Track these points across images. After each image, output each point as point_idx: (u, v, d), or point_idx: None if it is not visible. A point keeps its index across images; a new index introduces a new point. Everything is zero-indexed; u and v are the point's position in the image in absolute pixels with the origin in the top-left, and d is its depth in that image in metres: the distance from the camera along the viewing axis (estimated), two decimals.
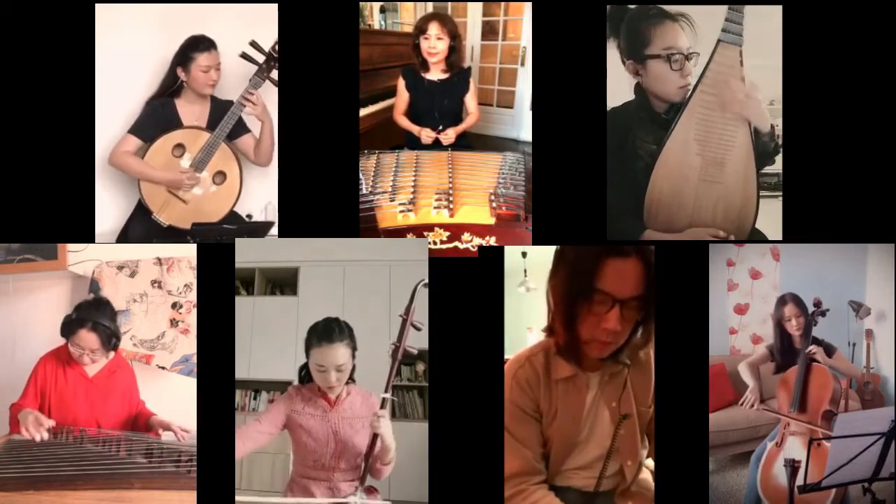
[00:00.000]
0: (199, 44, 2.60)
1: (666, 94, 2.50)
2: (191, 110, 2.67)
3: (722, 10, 2.45)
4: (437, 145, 2.85)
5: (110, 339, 2.50)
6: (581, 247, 1.94)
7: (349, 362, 2.24)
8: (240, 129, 2.67)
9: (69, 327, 2.47)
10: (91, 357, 2.49)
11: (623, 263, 1.87)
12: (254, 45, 2.58)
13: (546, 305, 2.01)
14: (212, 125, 2.66)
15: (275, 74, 2.59)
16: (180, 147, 2.65)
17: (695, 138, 2.49)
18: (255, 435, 2.24)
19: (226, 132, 2.64)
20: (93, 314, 2.48)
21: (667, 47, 2.47)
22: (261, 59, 2.59)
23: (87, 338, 2.47)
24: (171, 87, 2.64)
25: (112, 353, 2.53)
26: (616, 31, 2.49)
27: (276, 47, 2.56)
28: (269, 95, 2.61)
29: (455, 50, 2.84)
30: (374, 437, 2.19)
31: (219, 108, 2.67)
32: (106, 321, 2.49)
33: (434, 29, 2.80)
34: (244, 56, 2.59)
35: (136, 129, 2.61)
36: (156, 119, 2.63)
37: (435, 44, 2.81)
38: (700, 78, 2.47)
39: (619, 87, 2.51)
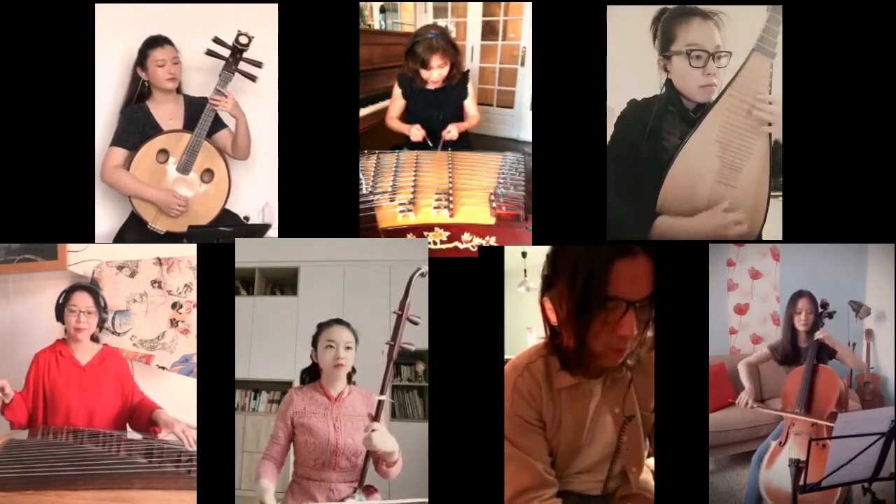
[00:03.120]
0: (154, 41, 2.60)
1: (688, 92, 2.50)
2: (164, 111, 2.65)
3: (760, 12, 2.46)
4: (435, 145, 2.85)
5: (101, 308, 2.53)
6: (583, 252, 1.80)
7: (354, 346, 2.31)
8: (216, 125, 2.66)
9: (63, 299, 2.51)
10: (86, 319, 2.50)
11: (633, 263, 1.77)
12: (216, 40, 2.58)
13: (542, 317, 1.90)
14: (189, 125, 2.65)
15: (244, 66, 2.59)
16: (164, 153, 2.64)
17: (717, 140, 2.50)
18: (282, 453, 2.28)
19: (205, 130, 2.63)
20: (84, 282, 2.55)
21: (689, 44, 2.47)
22: (226, 52, 2.59)
23: (81, 297, 2.51)
24: (136, 91, 2.63)
25: (102, 330, 2.55)
26: (655, 27, 2.49)
27: (240, 38, 2.56)
28: (243, 88, 2.61)
29: (455, 65, 2.81)
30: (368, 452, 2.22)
31: (192, 106, 2.66)
32: (97, 287, 2.54)
33: (436, 61, 2.76)
34: (209, 53, 2.59)
35: (117, 140, 2.59)
36: (133, 125, 2.61)
37: (438, 74, 2.79)
38: (730, 82, 2.47)
39: (648, 80, 2.50)
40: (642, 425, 1.99)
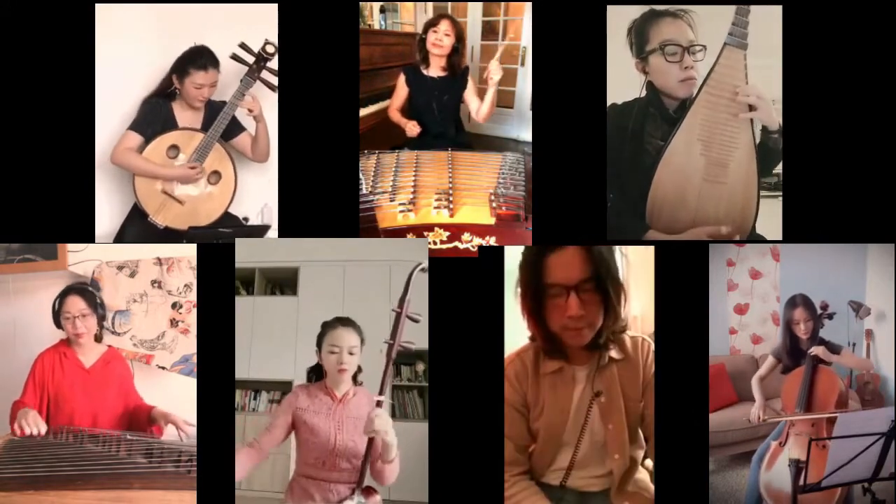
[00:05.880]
0: (197, 59, 2.59)
1: (669, 89, 2.50)
2: (184, 115, 2.67)
3: (729, 7, 2.45)
4: (437, 143, 2.86)
5: (96, 307, 2.53)
6: (526, 252, 2.12)
7: (359, 349, 2.28)
8: (235, 128, 2.67)
9: (57, 303, 2.51)
10: (83, 323, 2.50)
11: (561, 255, 2.04)
12: (243, 46, 2.58)
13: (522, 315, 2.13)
14: (206, 126, 2.66)
15: (265, 75, 2.59)
16: (174, 148, 2.65)
17: (699, 138, 2.49)
18: (269, 443, 2.26)
19: (219, 132, 2.64)
20: (76, 284, 2.54)
21: (662, 41, 2.48)
22: (250, 59, 2.59)
23: (73, 301, 2.50)
24: (167, 90, 2.65)
25: (101, 329, 2.55)
26: (628, 31, 2.50)
27: (266, 48, 2.57)
28: (263, 95, 2.61)
29: (458, 51, 2.88)
30: (370, 441, 2.19)
31: (213, 110, 2.67)
32: (90, 287, 2.54)
33: (444, 25, 2.85)
34: (234, 57, 2.59)
35: (136, 126, 2.61)
36: (153, 116, 2.63)
37: (442, 38, 2.85)
38: (706, 79, 2.47)
39: (628, 84, 2.51)
40: (628, 415, 2.10)
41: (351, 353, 2.27)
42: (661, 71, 2.49)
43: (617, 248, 2.16)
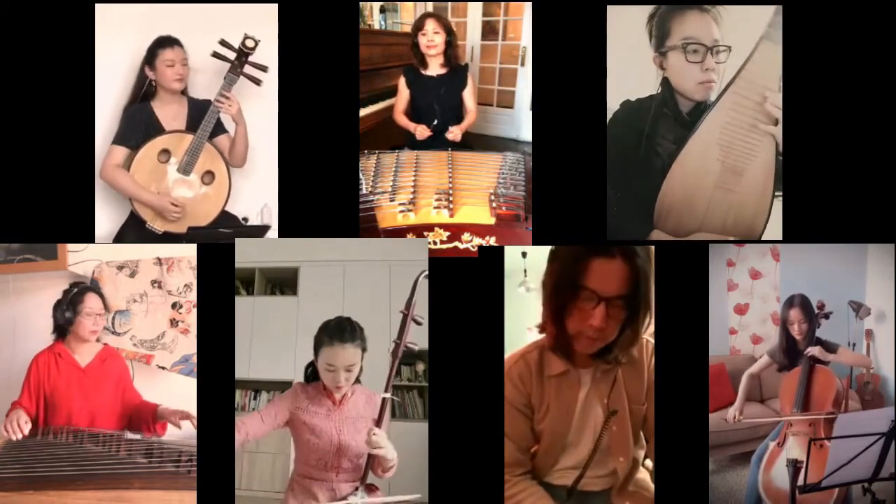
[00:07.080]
0: (164, 42, 2.60)
1: (685, 90, 2.45)
2: (168, 111, 2.65)
3: (759, 8, 2.41)
4: (437, 144, 2.86)
5: (105, 307, 2.55)
6: (571, 246, 2.02)
7: (359, 363, 2.24)
8: (217, 128, 2.66)
9: (71, 303, 2.50)
10: (101, 322, 2.52)
11: (608, 263, 1.95)
12: (223, 42, 2.58)
13: (541, 303, 2.07)
14: (191, 126, 2.65)
15: (249, 69, 2.59)
16: (165, 153, 2.64)
17: (718, 142, 2.44)
18: (255, 426, 2.23)
19: (208, 132, 2.63)
20: (86, 284, 2.56)
21: (685, 38, 2.40)
22: (232, 55, 2.59)
23: (94, 299, 2.52)
24: (142, 90, 2.63)
25: (103, 330, 2.56)
26: (649, 20, 2.43)
27: (246, 42, 2.56)
28: (248, 92, 2.61)
29: (451, 45, 2.87)
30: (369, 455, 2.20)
31: (196, 108, 2.66)
32: (99, 288, 2.56)
33: (431, 25, 2.83)
34: (216, 55, 2.59)
35: (119, 139, 2.59)
36: (136, 124, 2.61)
37: (433, 38, 2.84)
38: (734, 78, 2.40)
39: (642, 80, 2.46)
40: (632, 418, 2.09)
41: (349, 371, 2.22)
42: (679, 70, 2.42)
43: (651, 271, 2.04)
